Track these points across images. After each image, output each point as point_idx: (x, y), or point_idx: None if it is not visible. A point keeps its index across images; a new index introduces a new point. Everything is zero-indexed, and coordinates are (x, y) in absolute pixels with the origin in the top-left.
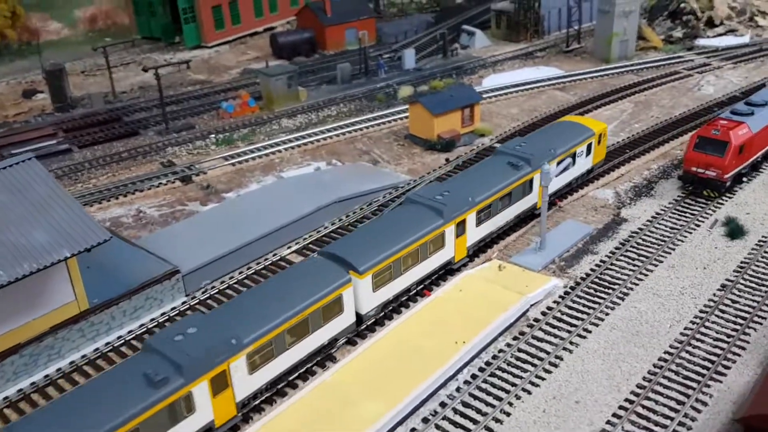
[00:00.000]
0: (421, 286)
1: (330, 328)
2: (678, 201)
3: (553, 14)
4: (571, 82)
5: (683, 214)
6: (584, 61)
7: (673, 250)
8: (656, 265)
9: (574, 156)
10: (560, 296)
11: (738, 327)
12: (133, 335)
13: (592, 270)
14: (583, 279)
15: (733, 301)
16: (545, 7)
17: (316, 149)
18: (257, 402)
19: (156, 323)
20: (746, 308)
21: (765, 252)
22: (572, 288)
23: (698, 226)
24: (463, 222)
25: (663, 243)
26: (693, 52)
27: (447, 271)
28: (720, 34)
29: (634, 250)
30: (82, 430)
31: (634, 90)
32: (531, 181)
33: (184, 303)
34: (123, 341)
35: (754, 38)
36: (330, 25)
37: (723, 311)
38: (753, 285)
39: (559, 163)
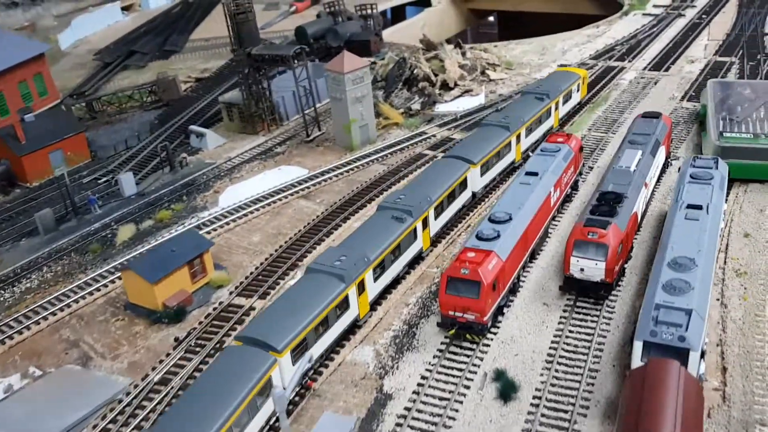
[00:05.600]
0: None
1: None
2: (443, 352)
3: (287, 98)
4: (315, 185)
5: (450, 371)
6: (328, 151)
7: None
8: None
9: (571, 93)
10: None
11: None
12: None
13: None
14: None
15: None
16: (277, 91)
17: (8, 353)
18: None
19: None
20: None
21: (542, 416)
22: None
23: (468, 387)
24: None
25: (434, 428)
26: (434, 124)
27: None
28: (456, 97)
29: None
30: (299, 310)
31: (382, 187)
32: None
33: None
34: None
35: (488, 95)
36: (27, 154)
37: None
38: None
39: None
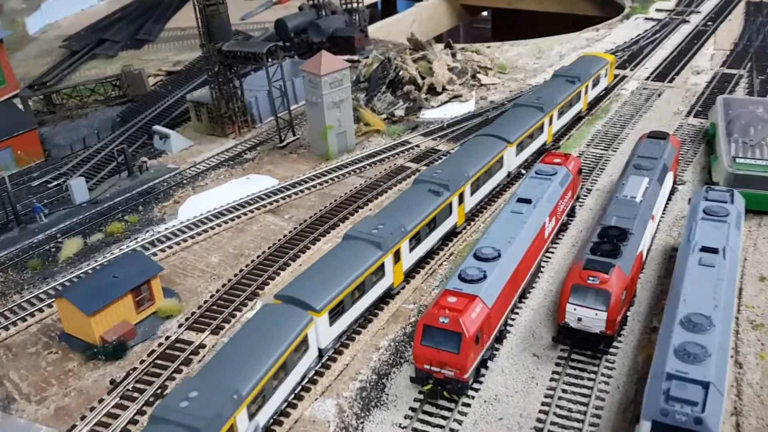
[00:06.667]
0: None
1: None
2: (416, 411)
3: (261, 98)
4: (285, 198)
5: None
6: (302, 159)
7: None
8: None
9: (599, 77)
10: None
11: None
12: None
13: None
14: None
15: None
16: (250, 90)
17: None
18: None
19: None
20: None
21: None
22: None
23: None
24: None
25: None
26: (419, 132)
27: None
28: (444, 102)
29: None
30: (337, 273)
31: (358, 204)
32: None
33: None
34: None
35: (479, 102)
36: None
37: None
38: None
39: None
